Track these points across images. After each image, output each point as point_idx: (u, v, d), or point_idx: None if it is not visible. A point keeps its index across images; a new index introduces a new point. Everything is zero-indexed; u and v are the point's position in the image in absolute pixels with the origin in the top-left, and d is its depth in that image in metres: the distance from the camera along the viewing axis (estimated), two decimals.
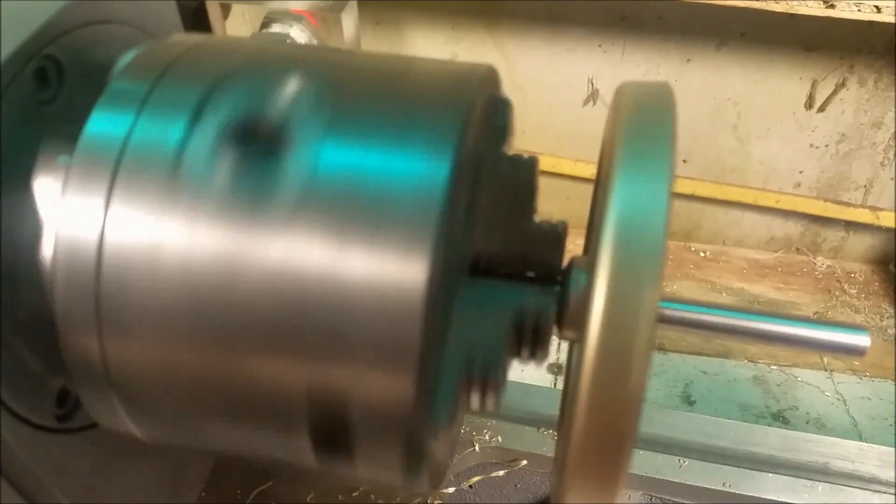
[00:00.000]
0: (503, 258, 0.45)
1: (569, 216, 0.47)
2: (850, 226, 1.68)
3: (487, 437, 0.90)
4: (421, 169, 0.37)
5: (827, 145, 1.59)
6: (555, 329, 0.45)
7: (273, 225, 0.38)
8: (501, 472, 0.89)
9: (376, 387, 0.38)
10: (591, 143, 1.53)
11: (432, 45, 1.58)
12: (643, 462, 0.88)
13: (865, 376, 1.46)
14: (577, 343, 0.42)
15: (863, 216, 1.64)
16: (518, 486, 0.89)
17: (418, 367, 0.36)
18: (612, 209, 0.34)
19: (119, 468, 0.56)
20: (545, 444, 0.90)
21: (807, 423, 1.36)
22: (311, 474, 0.86)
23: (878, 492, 0.87)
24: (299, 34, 0.93)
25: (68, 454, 0.50)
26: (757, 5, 1.26)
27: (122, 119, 0.41)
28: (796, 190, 1.66)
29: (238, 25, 1.35)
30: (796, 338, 0.42)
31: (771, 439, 0.91)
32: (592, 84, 1.57)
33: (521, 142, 1.64)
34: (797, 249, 1.74)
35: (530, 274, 0.45)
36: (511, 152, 0.48)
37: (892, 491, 0.87)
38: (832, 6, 1.23)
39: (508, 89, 0.47)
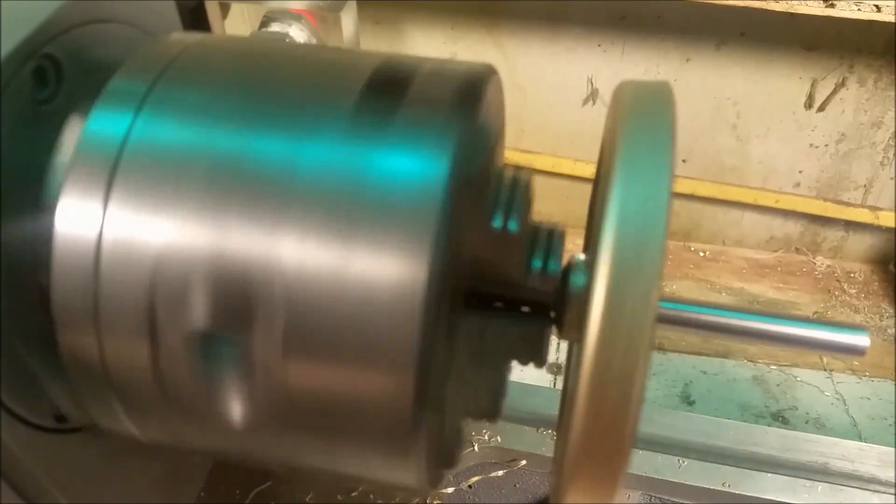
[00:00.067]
0: (497, 294, 0.45)
1: (568, 216, 0.47)
2: (850, 225, 1.68)
3: (487, 437, 0.90)
4: (421, 167, 0.37)
5: (826, 145, 1.59)
6: (554, 329, 0.45)
7: (273, 224, 0.37)
8: (501, 472, 0.89)
9: (376, 386, 0.37)
10: (590, 142, 1.53)
11: (431, 45, 1.58)
12: (642, 462, 0.88)
13: (865, 376, 1.46)
14: (576, 343, 0.42)
15: (862, 216, 1.64)
16: (517, 485, 0.89)
17: (418, 366, 0.36)
18: (612, 208, 0.34)
19: (118, 468, 0.56)
20: (544, 443, 0.90)
21: (806, 422, 1.36)
22: (309, 474, 0.86)
23: (878, 492, 0.87)
24: (298, 33, 0.93)
25: (67, 454, 0.50)
26: (756, 4, 1.26)
27: (121, 118, 0.41)
28: (796, 190, 1.66)
29: (237, 24, 1.35)
30: (796, 338, 0.42)
31: (770, 439, 0.91)
32: (592, 84, 1.57)
33: (521, 141, 1.64)
34: (797, 249, 1.74)
35: (524, 309, 0.45)
36: (507, 165, 0.47)
37: (892, 491, 0.87)
38: (832, 5, 1.23)
39: (508, 89, 0.47)
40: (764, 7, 1.26)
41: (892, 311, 1.60)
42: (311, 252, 0.37)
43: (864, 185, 1.63)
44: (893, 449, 0.90)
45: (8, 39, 0.43)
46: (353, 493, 0.85)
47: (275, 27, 0.93)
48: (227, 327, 0.38)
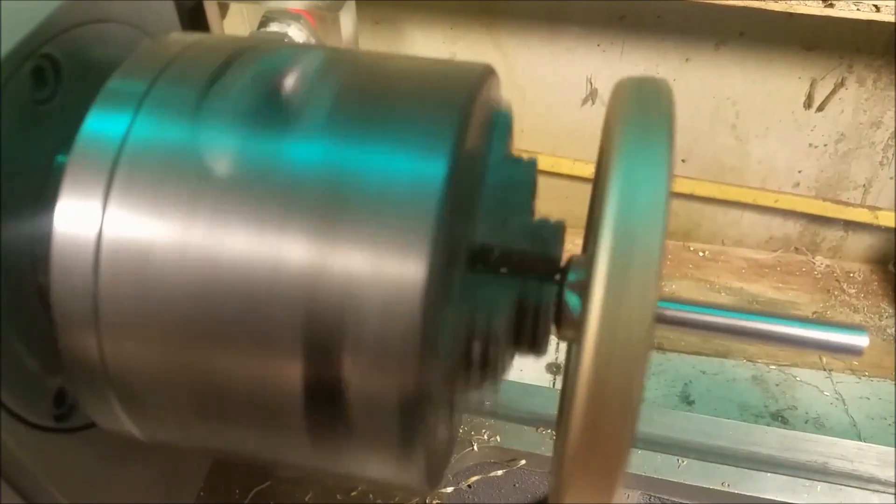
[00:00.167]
0: (503, 256, 0.45)
1: (567, 216, 0.47)
2: (849, 225, 1.68)
3: (486, 437, 0.90)
4: (419, 166, 0.37)
5: (826, 145, 1.59)
6: (553, 329, 0.45)
7: (273, 224, 0.37)
8: (500, 472, 0.89)
9: (377, 383, 0.37)
10: (589, 142, 1.52)
11: (431, 45, 1.58)
12: (642, 462, 0.88)
13: (864, 376, 1.46)
14: (575, 342, 0.42)
15: (862, 216, 1.64)
16: (517, 485, 0.89)
17: (419, 364, 0.36)
18: (611, 207, 0.34)
19: (117, 468, 0.56)
20: (544, 443, 0.90)
21: (806, 422, 1.36)
22: (309, 474, 0.86)
23: (878, 491, 0.87)
24: (297, 33, 0.93)
25: (66, 454, 0.50)
26: (756, 4, 1.26)
27: (120, 118, 0.41)
28: (795, 189, 1.66)
29: (236, 24, 1.35)
30: (795, 338, 0.42)
31: (770, 439, 0.91)
32: (591, 83, 1.57)
33: (520, 141, 1.64)
34: (796, 249, 1.74)
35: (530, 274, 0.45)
36: (511, 153, 0.48)
37: (892, 491, 0.87)
38: (831, 5, 1.23)
39: (507, 89, 0.47)
40: (763, 7, 1.26)
41: (891, 310, 1.61)
42: (315, 251, 0.37)
43: (864, 185, 1.63)
44: (893, 449, 0.90)
45: (7, 39, 0.43)
46: (353, 493, 0.85)
47: (273, 27, 0.93)
48: (227, 327, 0.38)
